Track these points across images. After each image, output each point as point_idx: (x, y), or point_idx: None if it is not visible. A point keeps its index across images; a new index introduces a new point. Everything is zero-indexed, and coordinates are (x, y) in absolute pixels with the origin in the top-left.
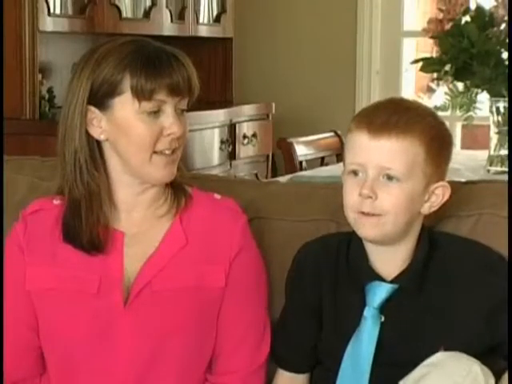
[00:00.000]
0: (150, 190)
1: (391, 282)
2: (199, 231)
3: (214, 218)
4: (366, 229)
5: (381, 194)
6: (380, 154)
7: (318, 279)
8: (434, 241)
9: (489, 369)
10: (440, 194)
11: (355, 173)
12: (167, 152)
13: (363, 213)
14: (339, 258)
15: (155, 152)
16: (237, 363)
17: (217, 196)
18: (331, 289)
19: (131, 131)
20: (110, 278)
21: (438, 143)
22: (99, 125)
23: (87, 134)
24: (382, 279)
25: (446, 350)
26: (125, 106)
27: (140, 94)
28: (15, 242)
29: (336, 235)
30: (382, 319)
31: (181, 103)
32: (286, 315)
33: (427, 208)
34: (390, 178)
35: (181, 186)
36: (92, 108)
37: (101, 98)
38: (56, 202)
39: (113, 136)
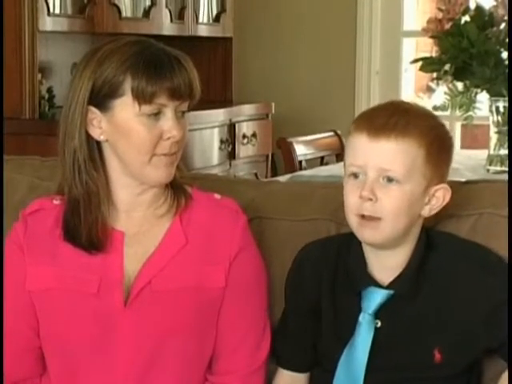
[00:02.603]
0: (150, 190)
1: (387, 287)
2: (199, 231)
3: (214, 218)
4: (366, 233)
5: (381, 195)
6: (379, 156)
7: (318, 281)
8: (431, 242)
9: (488, 371)
10: (440, 197)
11: (355, 175)
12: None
13: (364, 217)
14: (339, 262)
15: (155, 154)
16: (237, 363)
17: (217, 196)
18: (330, 291)
19: (131, 133)
20: (110, 277)
21: (437, 145)
22: (99, 125)
23: (87, 133)
24: (378, 285)
25: (442, 353)
26: (125, 108)
27: (140, 97)
28: (15, 242)
29: (336, 237)
30: (378, 324)
31: (181, 106)
32: (286, 314)
33: (427, 210)
34: (389, 179)
35: (181, 186)
36: (92, 108)
37: (101, 98)
38: (56, 201)
39: (112, 137)
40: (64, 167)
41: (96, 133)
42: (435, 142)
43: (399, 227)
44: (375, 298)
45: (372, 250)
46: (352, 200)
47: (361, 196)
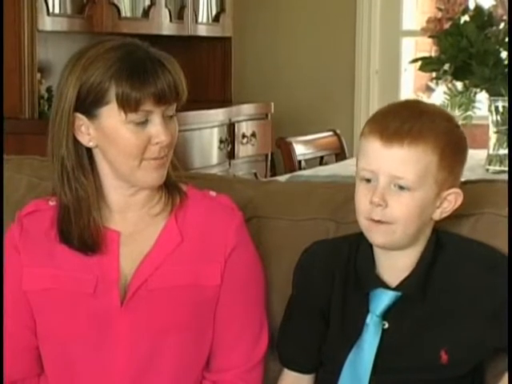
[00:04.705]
0: (143, 191)
1: (395, 288)
2: (194, 229)
3: (209, 216)
4: (376, 236)
5: (391, 202)
6: (392, 163)
7: (329, 281)
8: (439, 243)
9: (489, 370)
10: (452, 200)
11: (367, 180)
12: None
13: (374, 220)
14: (349, 263)
15: (144, 159)
16: (234, 360)
17: (212, 193)
18: (340, 292)
19: (119, 140)
20: (107, 277)
21: (451, 149)
22: (87, 132)
23: (75, 140)
24: (386, 286)
25: (448, 353)
26: (112, 115)
27: (126, 106)
28: (11, 243)
29: (345, 238)
30: (386, 326)
31: (168, 110)
32: (291, 314)
33: (439, 214)
34: (401, 187)
35: (175, 185)
36: (79, 115)
37: (88, 106)
38: (51, 202)
39: (101, 143)
40: (53, 173)
41: (85, 139)
42: (449, 147)
43: (410, 231)
44: (383, 300)
45: (382, 251)
46: (363, 204)
47: (371, 201)
